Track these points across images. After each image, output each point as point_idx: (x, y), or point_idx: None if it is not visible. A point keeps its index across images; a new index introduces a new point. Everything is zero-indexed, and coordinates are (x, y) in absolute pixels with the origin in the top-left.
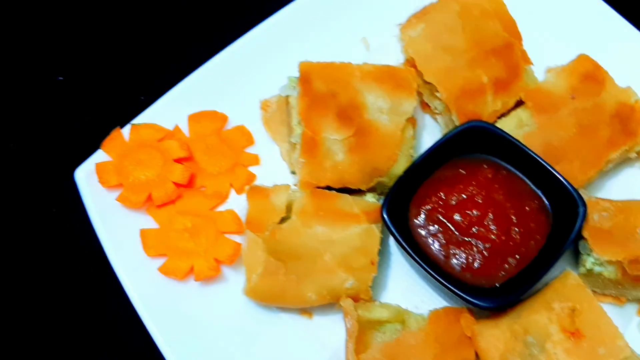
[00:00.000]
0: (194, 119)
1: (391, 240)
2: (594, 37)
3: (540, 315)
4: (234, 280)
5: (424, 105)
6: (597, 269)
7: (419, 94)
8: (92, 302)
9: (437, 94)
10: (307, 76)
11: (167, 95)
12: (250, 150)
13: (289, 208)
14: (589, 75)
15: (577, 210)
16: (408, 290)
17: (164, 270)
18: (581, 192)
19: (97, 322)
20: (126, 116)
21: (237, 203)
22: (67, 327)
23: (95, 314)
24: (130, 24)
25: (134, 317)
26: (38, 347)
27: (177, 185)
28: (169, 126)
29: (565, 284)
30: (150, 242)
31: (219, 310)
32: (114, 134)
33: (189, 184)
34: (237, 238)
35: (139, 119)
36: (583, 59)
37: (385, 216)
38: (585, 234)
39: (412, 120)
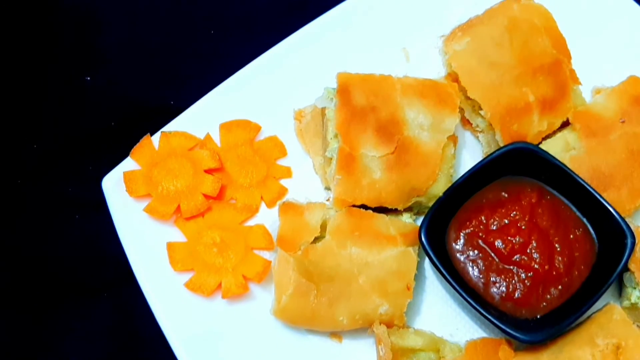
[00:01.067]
0: (226, 127)
1: (427, 263)
2: None
3: (583, 351)
4: (262, 299)
5: (465, 122)
6: None
7: (461, 110)
8: (115, 314)
9: (480, 112)
10: (346, 88)
11: (199, 103)
12: (283, 162)
13: (322, 227)
14: (639, 98)
15: (624, 241)
16: (443, 317)
17: (190, 285)
18: (628, 221)
19: (119, 335)
20: (155, 122)
21: (267, 217)
22: (89, 338)
23: (118, 326)
24: (165, 25)
25: (157, 332)
26: (56, 355)
27: (207, 197)
28: (200, 134)
29: (610, 318)
30: (177, 256)
31: (245, 330)
32: (144, 141)
33: (219, 195)
34: (265, 254)
35: (170, 127)
36: (634, 80)
37: (423, 239)
38: (632, 266)
39: (453, 138)
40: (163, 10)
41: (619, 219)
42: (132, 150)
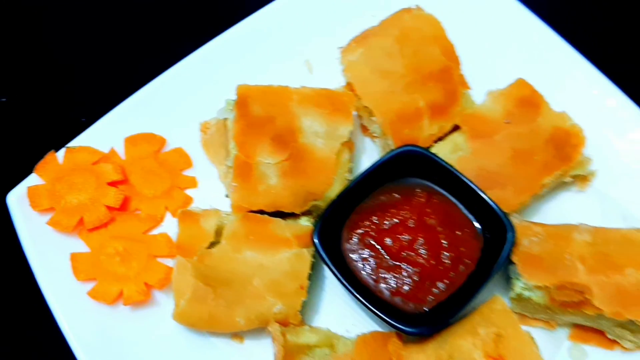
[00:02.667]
0: (131, 141)
1: None
2: (534, 60)
3: (466, 341)
4: (166, 304)
5: (365, 129)
6: (526, 293)
7: (360, 117)
8: (20, 324)
9: (373, 118)
10: (244, 99)
11: (104, 118)
12: (189, 172)
13: (219, 233)
14: (525, 99)
15: (506, 235)
16: (340, 314)
17: (93, 294)
18: (513, 216)
19: (25, 346)
20: (67, 138)
21: (173, 226)
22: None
23: (23, 337)
24: (78, 43)
25: (62, 341)
26: None
27: (111, 208)
28: (106, 149)
29: (493, 309)
30: (80, 266)
31: (149, 335)
32: (48, 157)
33: (123, 207)
34: (171, 262)
35: (76, 142)
36: (520, 83)
37: (315, 240)
38: (514, 258)
39: (348, 144)
40: (76, 27)
41: (501, 215)
42: (36, 165)
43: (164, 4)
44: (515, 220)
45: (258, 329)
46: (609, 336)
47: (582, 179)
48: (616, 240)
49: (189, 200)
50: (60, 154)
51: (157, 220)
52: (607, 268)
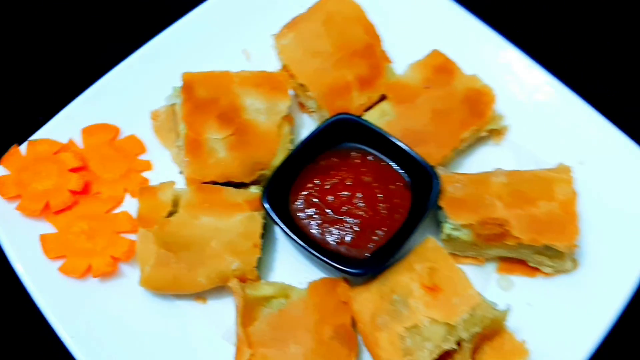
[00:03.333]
0: (88, 132)
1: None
2: (446, 34)
3: (404, 276)
4: (132, 275)
5: (302, 106)
6: (454, 233)
7: (297, 96)
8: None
9: (309, 94)
10: (190, 84)
11: (61, 113)
12: (143, 157)
13: (176, 203)
14: (440, 67)
15: (432, 185)
16: (293, 269)
17: (63, 269)
18: (439, 168)
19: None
20: (26, 135)
21: (133, 206)
22: None
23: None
24: (28, 47)
25: (39, 316)
26: None
27: (74, 192)
28: (65, 141)
29: (426, 248)
30: (49, 245)
31: (119, 304)
32: (12, 150)
33: (85, 190)
34: (133, 237)
35: (36, 136)
36: (435, 54)
37: (264, 202)
38: (441, 203)
39: (288, 118)
40: (29, 32)
41: (426, 166)
42: (1, 158)
43: (110, 3)
44: (440, 171)
45: (219, 290)
46: (531, 264)
47: (496, 133)
48: (528, 179)
49: (145, 181)
50: (23, 147)
51: (118, 201)
52: (522, 202)
